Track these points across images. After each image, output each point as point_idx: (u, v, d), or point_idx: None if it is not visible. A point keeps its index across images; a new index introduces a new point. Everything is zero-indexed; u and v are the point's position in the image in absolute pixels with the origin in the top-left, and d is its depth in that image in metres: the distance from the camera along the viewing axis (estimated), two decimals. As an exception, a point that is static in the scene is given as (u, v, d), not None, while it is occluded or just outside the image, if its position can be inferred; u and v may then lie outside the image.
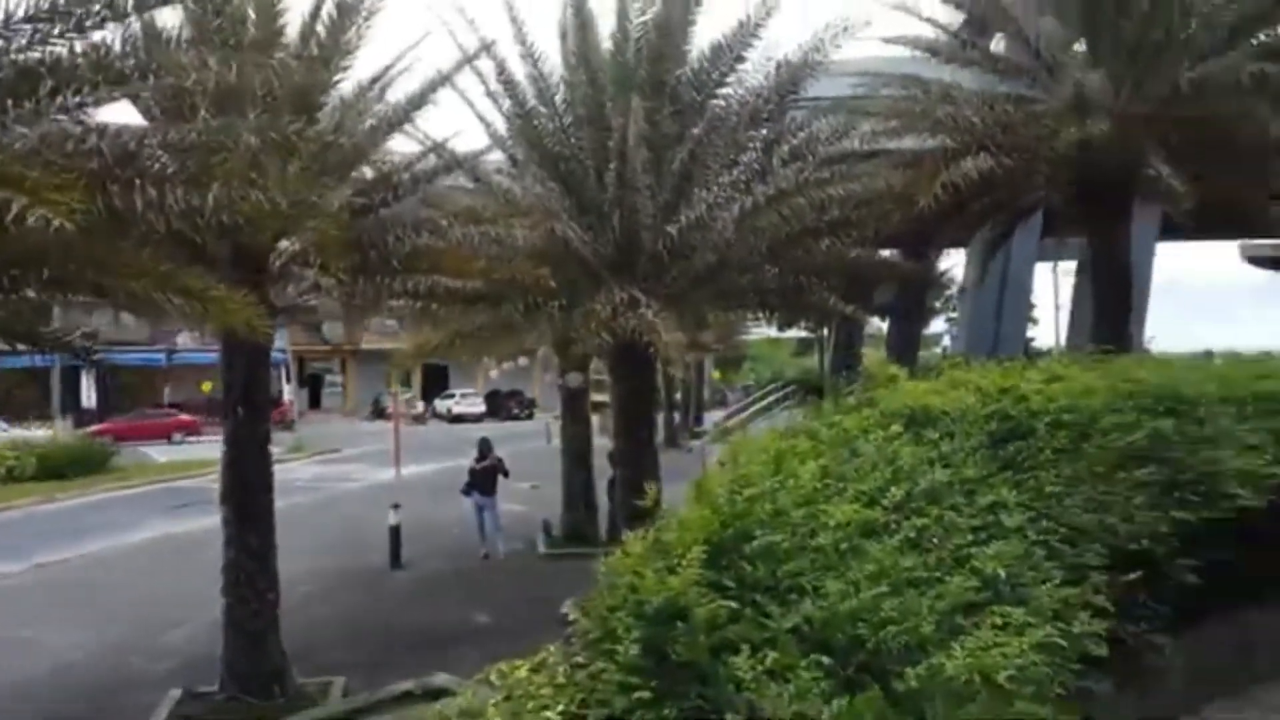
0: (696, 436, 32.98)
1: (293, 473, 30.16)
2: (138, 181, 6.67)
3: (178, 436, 41.80)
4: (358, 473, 31.30)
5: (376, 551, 17.25)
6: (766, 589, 3.55)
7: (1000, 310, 17.37)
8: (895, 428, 5.57)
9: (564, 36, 13.33)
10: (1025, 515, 5.18)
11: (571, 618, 4.95)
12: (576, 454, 18.54)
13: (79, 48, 6.29)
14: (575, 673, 4.23)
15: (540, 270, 10.51)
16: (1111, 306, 11.94)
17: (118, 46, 6.34)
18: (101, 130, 6.88)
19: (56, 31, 6.78)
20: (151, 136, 6.96)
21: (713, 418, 41.76)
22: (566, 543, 17.69)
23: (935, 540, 4.33)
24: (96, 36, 7.08)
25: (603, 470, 17.36)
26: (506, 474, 17.97)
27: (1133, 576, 5.69)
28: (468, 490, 17.74)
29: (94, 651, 12.65)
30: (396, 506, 16.99)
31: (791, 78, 12.42)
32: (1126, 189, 11.37)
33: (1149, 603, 6.11)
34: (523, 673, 4.52)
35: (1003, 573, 4.19)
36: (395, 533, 16.84)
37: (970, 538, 4.47)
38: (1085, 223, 12.15)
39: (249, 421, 10.37)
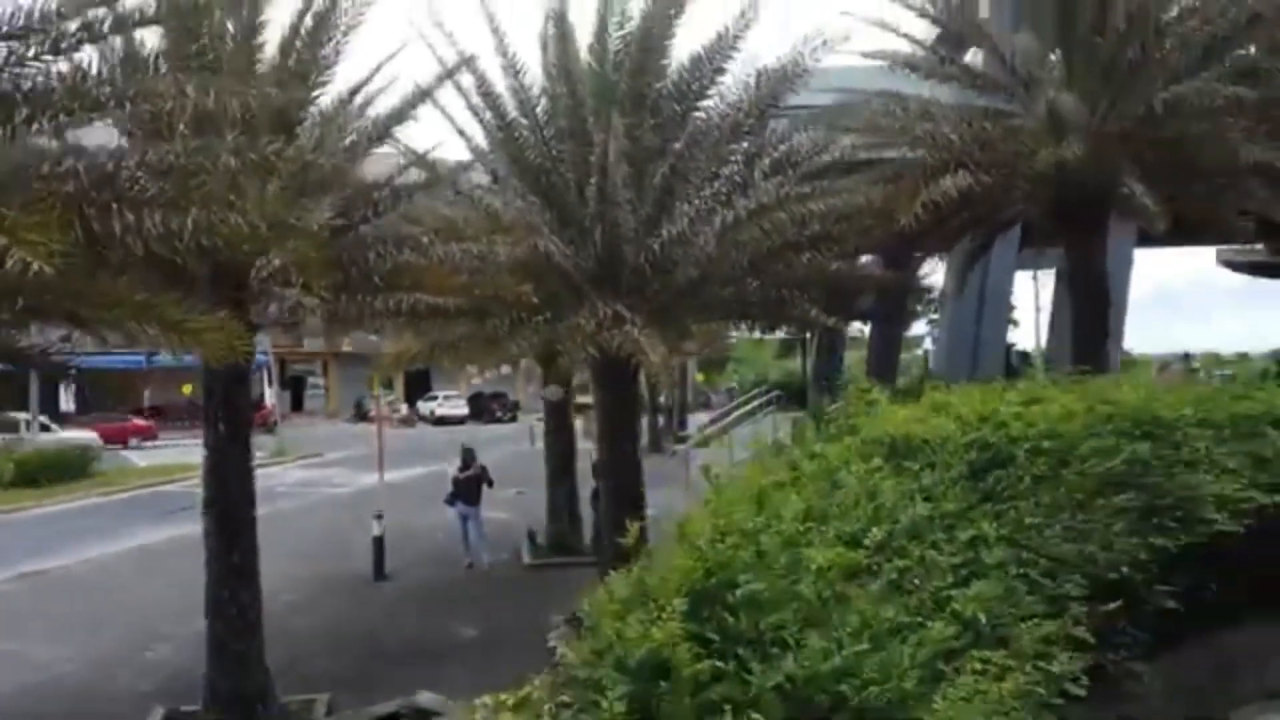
0: (680, 440, 32.96)
1: (275, 477, 30.05)
2: (115, 205, 6.63)
3: (133, 442, 41.33)
4: (340, 477, 31.18)
5: (360, 560, 17.18)
6: (749, 641, 3.57)
7: (980, 319, 17.45)
8: (876, 460, 5.60)
9: (545, 48, 13.31)
10: (1005, 549, 5.22)
11: (559, 653, 4.95)
12: (560, 463, 18.53)
13: (55, 71, 6.22)
14: (560, 713, 4.23)
15: (523, 286, 10.48)
16: (1089, 320, 12.04)
17: (94, 70, 6.27)
18: (79, 151, 6.83)
19: (32, 54, 6.73)
20: (129, 158, 6.90)
21: (696, 420, 41.78)
22: (551, 552, 17.71)
23: (916, 581, 4.36)
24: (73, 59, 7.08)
25: (586, 475, 17.33)
26: (491, 484, 17.93)
27: (1112, 607, 5.75)
28: (451, 500, 17.70)
29: (81, 665, 12.51)
30: (380, 517, 16.92)
31: (771, 91, 12.44)
32: (1102, 206, 11.46)
33: (1128, 629, 6.17)
34: (508, 715, 4.52)
35: (983, 616, 4.22)
36: (379, 543, 16.77)
37: (950, 579, 4.50)
38: (1063, 237, 12.25)
39: (230, 436, 10.32)
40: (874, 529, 4.57)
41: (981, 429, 6.64)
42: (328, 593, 16.12)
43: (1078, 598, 5.66)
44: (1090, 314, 11.80)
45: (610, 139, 10.69)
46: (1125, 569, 6.27)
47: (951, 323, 17.92)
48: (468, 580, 16.83)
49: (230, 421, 10.16)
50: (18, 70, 6.51)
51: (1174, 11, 10.84)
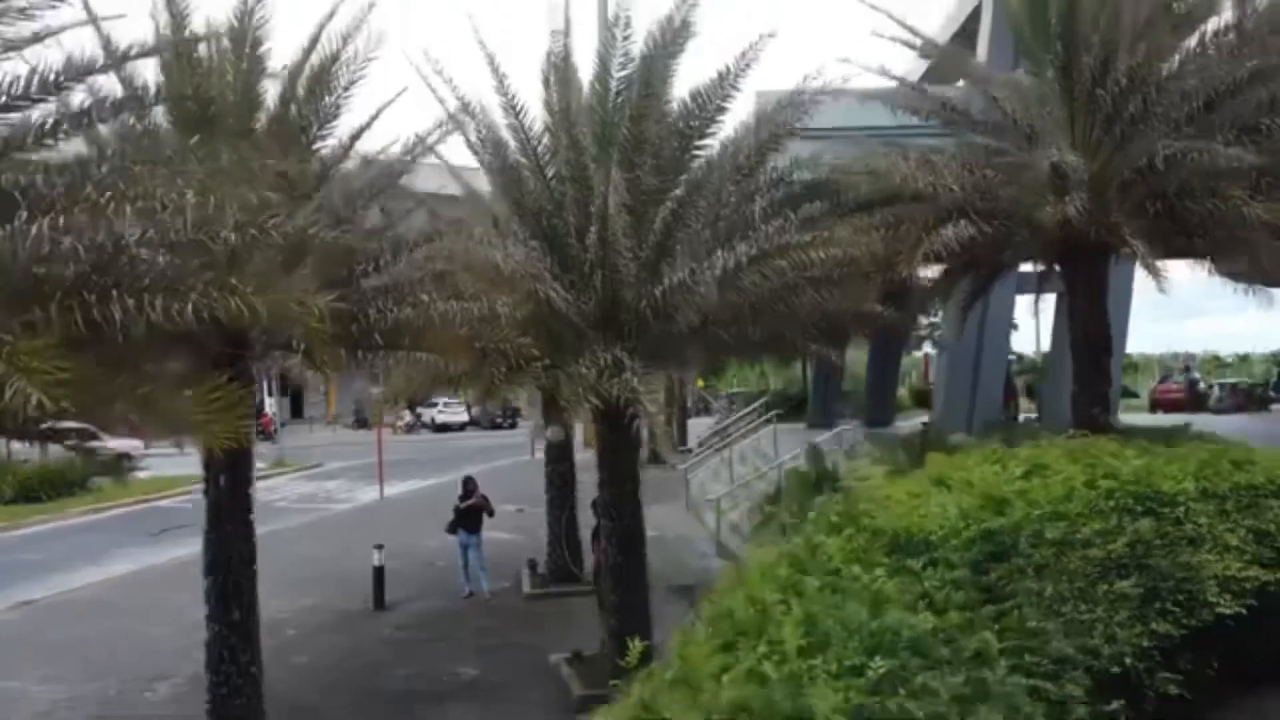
0: (682, 451, 32.95)
1: (276, 491, 30.07)
2: (115, 291, 6.61)
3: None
4: (341, 491, 31.18)
5: (360, 587, 17.14)
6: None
7: (980, 353, 17.31)
8: (879, 571, 5.57)
9: (547, 83, 13.26)
10: (1009, 659, 5.21)
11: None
12: (560, 492, 18.46)
13: (55, 164, 6.20)
14: None
15: (524, 338, 10.45)
16: (1089, 359, 12.02)
17: (94, 163, 6.25)
18: (78, 232, 6.80)
19: (31, 139, 6.71)
20: (128, 237, 6.87)
21: (697, 426, 41.74)
22: (551, 580, 17.69)
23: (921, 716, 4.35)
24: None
25: (587, 497, 17.19)
26: (491, 513, 17.91)
27: (1115, 706, 5.76)
28: (453, 528, 17.68)
29: (83, 710, 12.40)
30: (380, 547, 16.92)
31: (772, 134, 12.42)
32: (1103, 255, 11.45)
33: (1132, 720, 6.17)
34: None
35: (987, 758, 4.22)
36: (379, 574, 16.78)
37: (956, 710, 4.48)
38: (1064, 279, 12.25)
39: (231, 490, 10.31)
40: (876, 659, 4.55)
41: (984, 515, 6.63)
42: (328, 625, 16.09)
43: (1080, 697, 5.68)
44: (1091, 363, 11.78)
45: (610, 191, 10.66)
46: (1128, 659, 6.28)
47: (952, 358, 17.78)
48: (468, 611, 16.80)
49: (231, 475, 10.15)
50: (18, 157, 6.48)
51: (1175, 61, 10.79)
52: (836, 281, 12.16)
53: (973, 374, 17.06)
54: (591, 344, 11.57)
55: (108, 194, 5.84)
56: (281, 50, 10.46)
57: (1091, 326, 11.72)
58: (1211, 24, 11.03)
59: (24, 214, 5.68)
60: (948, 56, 12.90)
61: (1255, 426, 35.07)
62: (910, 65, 18.71)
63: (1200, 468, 8.10)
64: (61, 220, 5.73)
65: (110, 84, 8.62)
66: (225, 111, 8.64)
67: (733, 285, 11.75)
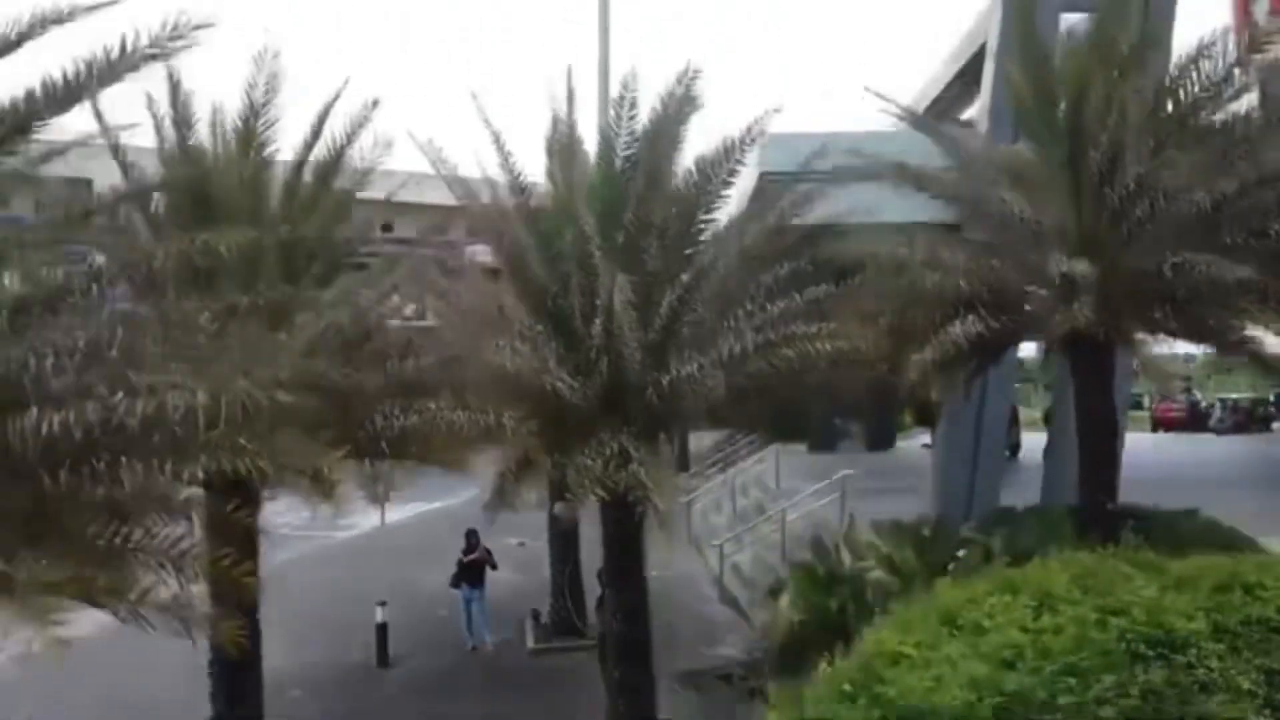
0: (684, 471, 32.95)
1: (279, 515, 29.88)
2: (124, 458, 6.60)
3: None
4: (342, 515, 31.03)
5: (363, 634, 17.16)
6: None
7: (979, 434, 17.13)
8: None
9: (551, 153, 13.18)
10: None
11: None
12: (563, 545, 18.43)
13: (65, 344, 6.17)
14: None
15: (532, 438, 10.43)
16: (1094, 444, 12.01)
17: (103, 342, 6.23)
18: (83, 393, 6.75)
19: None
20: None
21: (698, 442, 41.62)
22: (555, 633, 17.69)
23: None
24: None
25: (589, 542, 17.07)
26: (495, 566, 17.96)
27: None
28: (456, 582, 17.74)
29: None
30: (384, 604, 16.97)
31: (780, 220, 12.41)
32: (1109, 349, 11.43)
33: None
34: None
35: None
36: (382, 630, 16.83)
37: None
38: (1070, 369, 12.21)
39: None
40: None
41: (997, 678, 6.62)
42: (333, 683, 16.16)
43: None
44: (1096, 449, 11.76)
45: (616, 289, 10.62)
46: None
47: (948, 439, 17.48)
48: (472, 668, 16.83)
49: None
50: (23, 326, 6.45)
51: (1182, 164, 10.71)
52: (841, 365, 12.13)
53: (973, 454, 16.92)
54: (598, 429, 11.53)
55: (119, 393, 5.82)
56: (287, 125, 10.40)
57: (1098, 413, 11.70)
58: (1218, 116, 10.98)
59: (34, 411, 5.67)
60: (949, 138, 12.90)
61: (1257, 449, 35.18)
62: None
63: (1211, 596, 8.06)
64: (71, 415, 5.70)
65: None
66: (234, 260, 8.55)
67: (739, 371, 11.74)
